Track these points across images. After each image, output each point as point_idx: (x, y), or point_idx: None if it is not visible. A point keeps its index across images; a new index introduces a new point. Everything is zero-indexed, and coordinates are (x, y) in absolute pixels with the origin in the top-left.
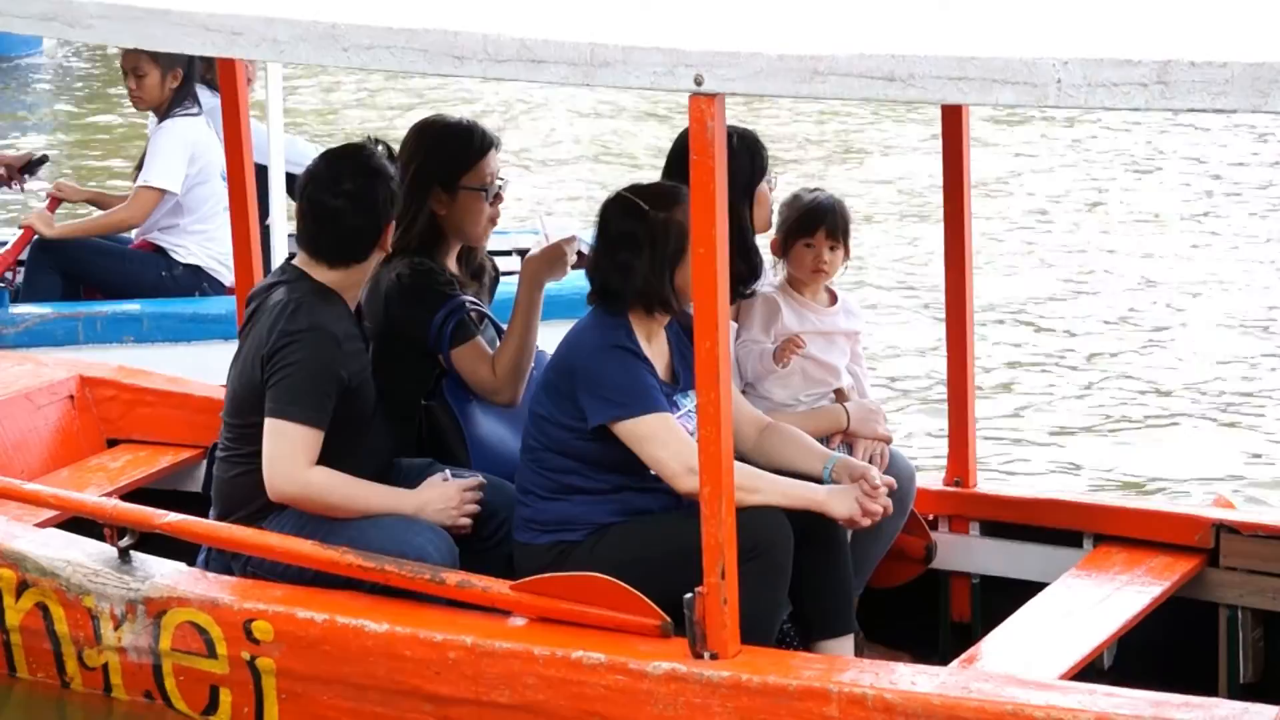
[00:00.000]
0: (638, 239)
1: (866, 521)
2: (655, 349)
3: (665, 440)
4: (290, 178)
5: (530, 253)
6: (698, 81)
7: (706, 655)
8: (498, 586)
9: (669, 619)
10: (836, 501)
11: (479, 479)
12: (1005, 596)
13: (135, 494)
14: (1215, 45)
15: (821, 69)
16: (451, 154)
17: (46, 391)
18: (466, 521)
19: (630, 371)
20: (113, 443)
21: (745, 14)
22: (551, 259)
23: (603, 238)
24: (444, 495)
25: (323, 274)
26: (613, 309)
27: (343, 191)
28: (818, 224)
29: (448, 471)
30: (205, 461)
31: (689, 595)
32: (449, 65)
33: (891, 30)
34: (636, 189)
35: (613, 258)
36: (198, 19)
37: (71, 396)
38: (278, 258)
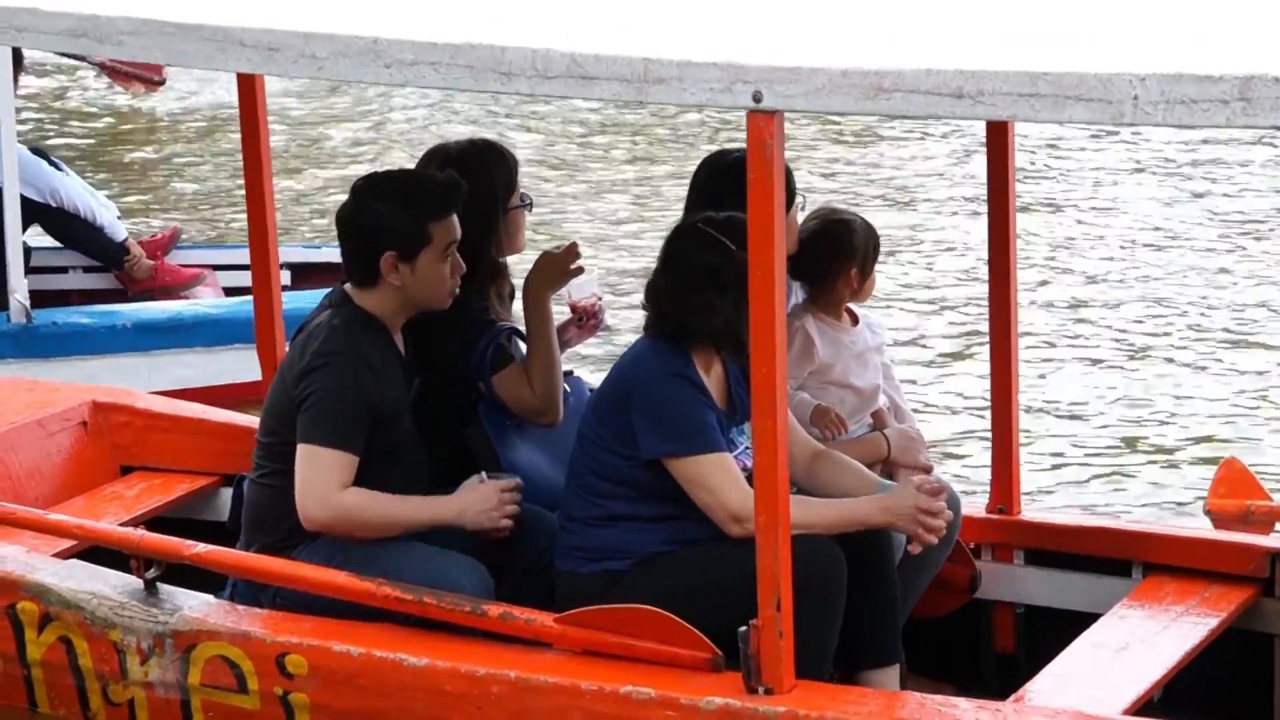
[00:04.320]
0: (722, 278)
1: (931, 539)
2: (714, 379)
3: (716, 485)
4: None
5: (530, 272)
6: (756, 98)
7: (761, 690)
8: (541, 619)
9: (720, 652)
10: (895, 516)
11: (516, 479)
12: (1050, 627)
13: (151, 523)
14: None
15: (886, 85)
16: (500, 177)
17: (59, 418)
18: (508, 523)
19: (690, 405)
20: (126, 470)
21: (803, 27)
22: (549, 273)
23: (678, 271)
24: (483, 498)
25: (360, 297)
26: (676, 340)
27: (347, 209)
28: (879, 247)
29: (484, 473)
30: (232, 493)
31: (743, 628)
32: (495, 82)
33: (958, 44)
34: (714, 222)
35: (691, 294)
36: (233, 35)
37: (84, 423)
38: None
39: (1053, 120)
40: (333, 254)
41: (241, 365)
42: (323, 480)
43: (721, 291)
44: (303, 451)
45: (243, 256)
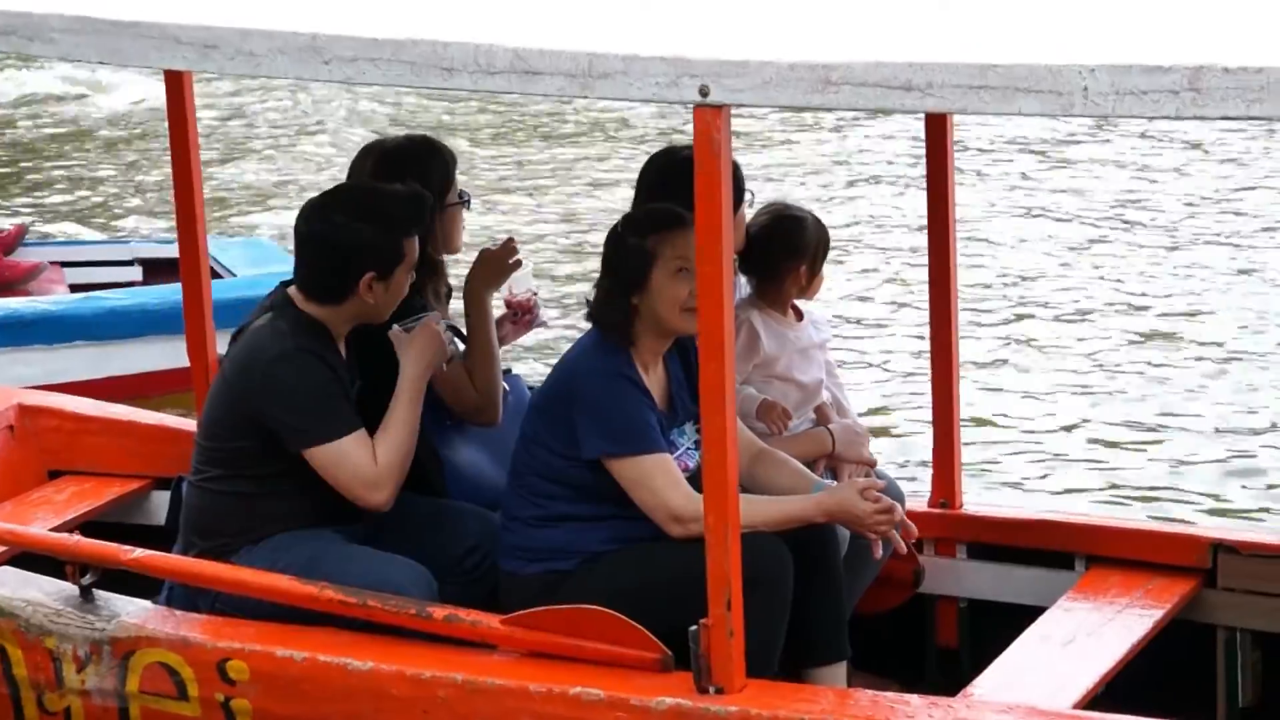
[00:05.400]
0: (611, 264)
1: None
2: (653, 377)
3: (657, 486)
4: None
5: (470, 270)
6: (703, 93)
7: (712, 690)
8: (488, 621)
9: (669, 652)
10: (836, 515)
11: (433, 312)
12: (994, 621)
13: (83, 528)
14: (1250, 50)
15: (834, 78)
16: (437, 175)
17: None
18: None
19: (632, 406)
20: (55, 474)
21: (750, 21)
22: (489, 269)
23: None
24: (429, 342)
25: (307, 305)
26: (616, 338)
27: (317, 227)
28: (829, 245)
29: (395, 327)
30: (170, 494)
31: (694, 628)
32: (438, 78)
33: (906, 37)
34: (635, 211)
35: (597, 285)
36: (168, 31)
37: (11, 427)
38: None
39: (1002, 112)
40: None
41: (82, 362)
42: (356, 470)
43: (611, 278)
44: (320, 456)
45: (92, 253)
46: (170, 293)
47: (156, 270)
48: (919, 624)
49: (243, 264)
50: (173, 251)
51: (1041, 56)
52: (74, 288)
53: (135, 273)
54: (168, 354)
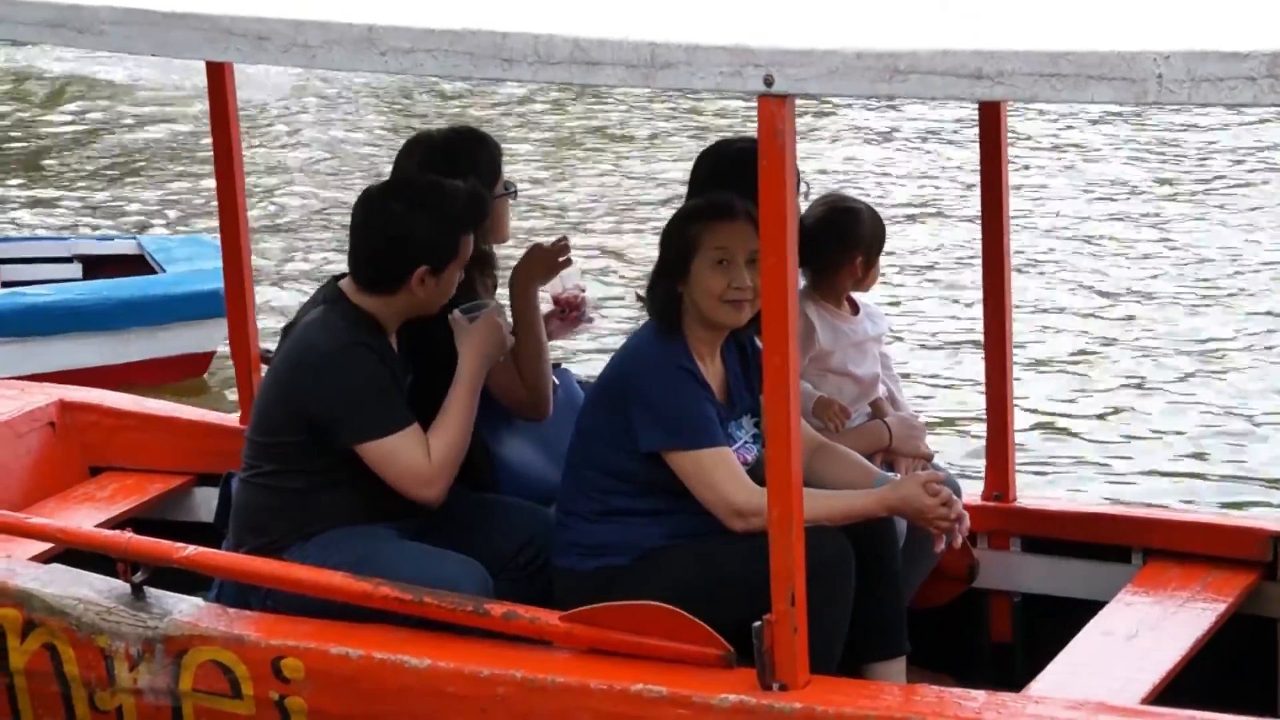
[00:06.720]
0: (660, 256)
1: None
2: (711, 369)
3: (717, 480)
4: None
5: (518, 263)
6: (768, 82)
7: (775, 686)
8: (546, 617)
9: (731, 648)
10: (898, 510)
11: (488, 301)
12: (1048, 616)
13: (127, 525)
14: None
15: (902, 67)
16: (485, 166)
17: (26, 419)
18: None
19: (690, 398)
20: (96, 470)
21: (815, 9)
22: (538, 265)
23: None
24: (490, 334)
25: (359, 297)
26: (672, 330)
27: (376, 217)
28: (885, 237)
29: (456, 313)
30: (219, 491)
31: (757, 624)
32: (496, 69)
33: (975, 24)
34: (693, 200)
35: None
36: (220, 23)
37: (52, 423)
38: None
39: (1075, 101)
40: (126, 245)
41: (2, 359)
42: (409, 466)
43: (660, 265)
44: (372, 452)
45: (31, 250)
46: (97, 289)
47: (97, 267)
48: (972, 618)
49: (175, 261)
50: (113, 249)
51: (1114, 43)
52: (10, 284)
53: (75, 270)
54: (95, 351)
